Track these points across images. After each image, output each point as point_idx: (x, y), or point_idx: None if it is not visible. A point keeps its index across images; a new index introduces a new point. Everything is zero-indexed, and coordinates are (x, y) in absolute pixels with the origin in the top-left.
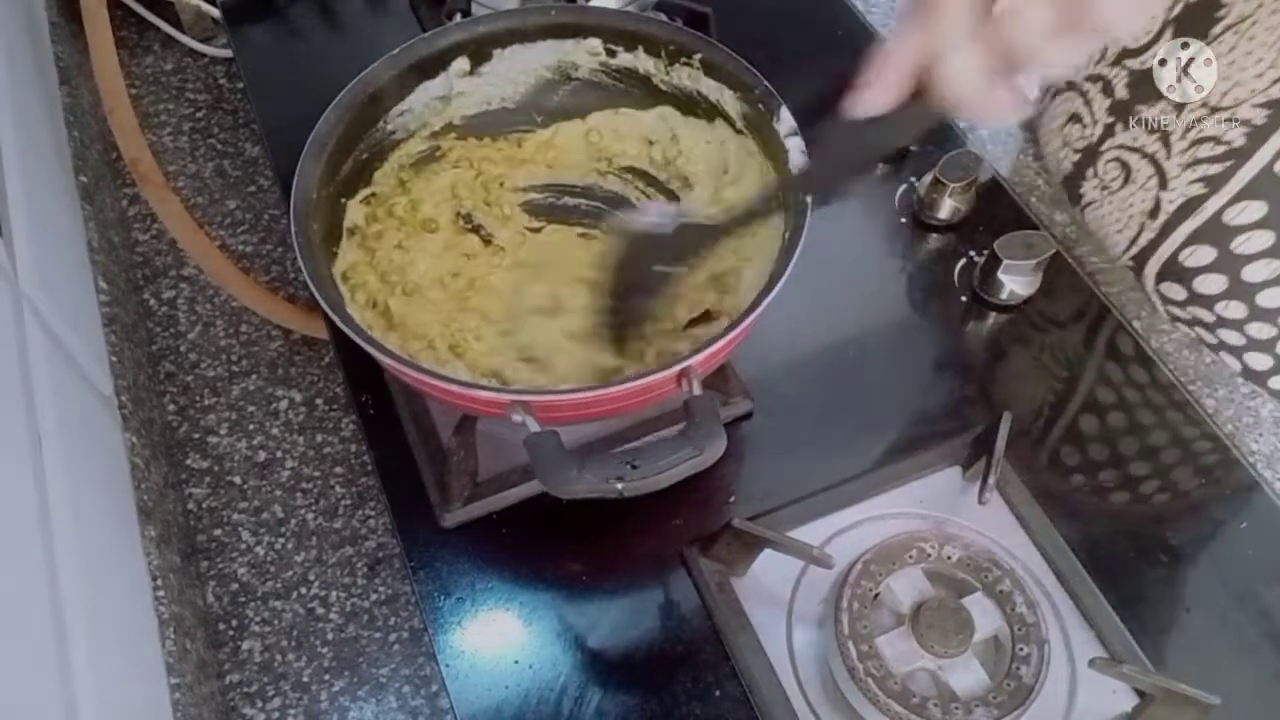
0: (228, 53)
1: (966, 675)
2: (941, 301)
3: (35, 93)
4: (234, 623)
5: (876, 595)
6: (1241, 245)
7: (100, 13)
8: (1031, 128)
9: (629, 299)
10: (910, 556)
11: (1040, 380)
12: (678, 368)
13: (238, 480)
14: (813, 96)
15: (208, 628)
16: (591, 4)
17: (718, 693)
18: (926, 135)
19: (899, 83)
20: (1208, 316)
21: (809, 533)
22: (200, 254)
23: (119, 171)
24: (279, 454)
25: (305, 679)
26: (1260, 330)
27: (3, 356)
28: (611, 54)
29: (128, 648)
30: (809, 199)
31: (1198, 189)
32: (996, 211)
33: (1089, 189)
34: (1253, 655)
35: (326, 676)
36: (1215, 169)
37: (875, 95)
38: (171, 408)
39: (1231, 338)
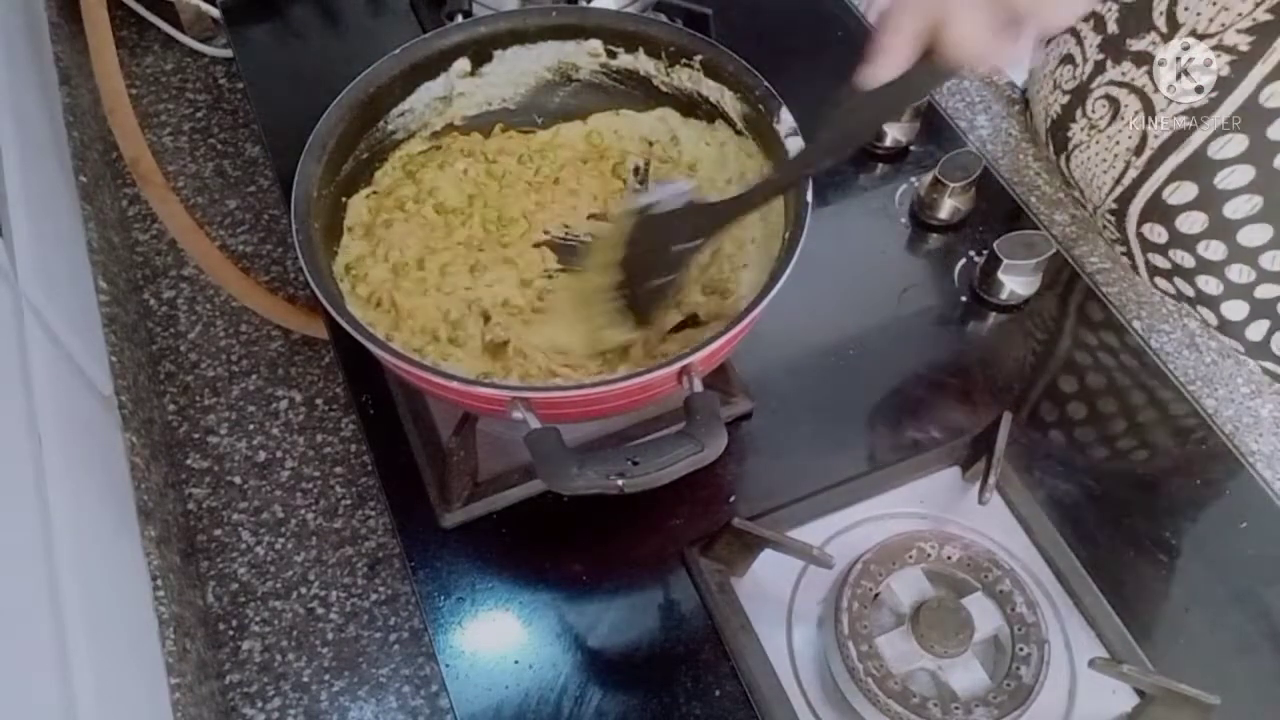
0: (228, 53)
1: (966, 675)
2: (941, 301)
3: (35, 93)
4: (234, 623)
5: (876, 595)
6: (1224, 180)
7: (100, 13)
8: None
9: (652, 278)
10: (910, 556)
11: (1040, 380)
12: (678, 365)
13: (238, 480)
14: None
15: (208, 628)
16: (592, 5)
17: (718, 693)
18: (925, 134)
19: (908, 48)
20: (1188, 260)
21: (809, 533)
22: (200, 254)
23: (119, 171)
24: (279, 454)
25: (305, 679)
26: (1239, 273)
27: (3, 356)
28: (612, 55)
29: (128, 648)
30: (809, 199)
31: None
32: (996, 211)
33: (1076, 131)
34: (1253, 655)
35: (326, 676)
36: (1201, 100)
37: (886, 62)
38: (171, 408)
39: (1210, 285)
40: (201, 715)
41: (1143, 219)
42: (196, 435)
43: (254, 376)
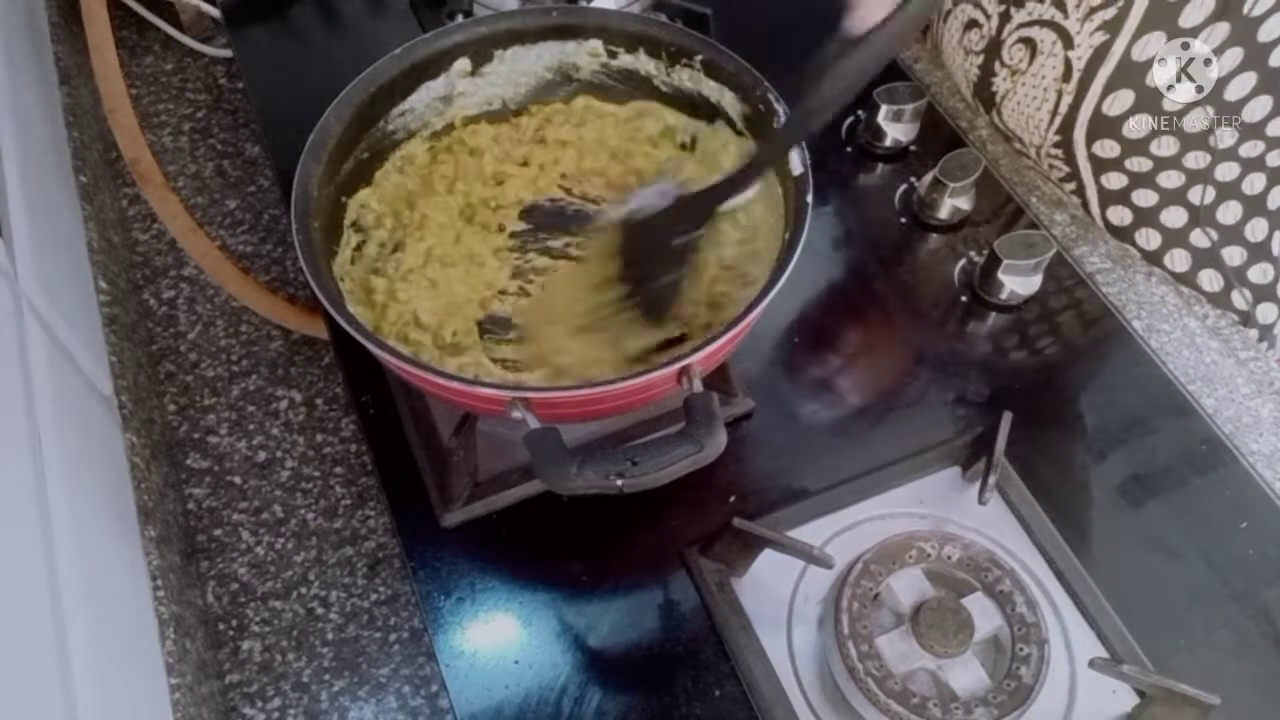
0: (228, 53)
1: (966, 675)
2: (941, 301)
3: (35, 93)
4: (234, 623)
5: (876, 595)
6: (1155, 77)
7: (100, 13)
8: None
9: (660, 277)
10: (910, 556)
11: (1040, 380)
12: (678, 365)
13: (238, 480)
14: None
15: (208, 628)
16: (592, 5)
17: (718, 693)
18: (925, 134)
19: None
20: (1144, 164)
21: (809, 533)
22: (200, 254)
23: (119, 171)
24: (279, 454)
25: (305, 679)
26: (1195, 160)
27: (3, 356)
28: (612, 55)
29: (128, 648)
30: (809, 200)
31: (1101, 37)
32: (996, 211)
33: (999, 83)
34: (1253, 655)
35: (326, 676)
36: (1111, 13)
37: (871, 5)
38: (171, 408)
39: (1172, 179)
40: (201, 715)
41: (1090, 139)
42: (196, 435)
43: (254, 376)
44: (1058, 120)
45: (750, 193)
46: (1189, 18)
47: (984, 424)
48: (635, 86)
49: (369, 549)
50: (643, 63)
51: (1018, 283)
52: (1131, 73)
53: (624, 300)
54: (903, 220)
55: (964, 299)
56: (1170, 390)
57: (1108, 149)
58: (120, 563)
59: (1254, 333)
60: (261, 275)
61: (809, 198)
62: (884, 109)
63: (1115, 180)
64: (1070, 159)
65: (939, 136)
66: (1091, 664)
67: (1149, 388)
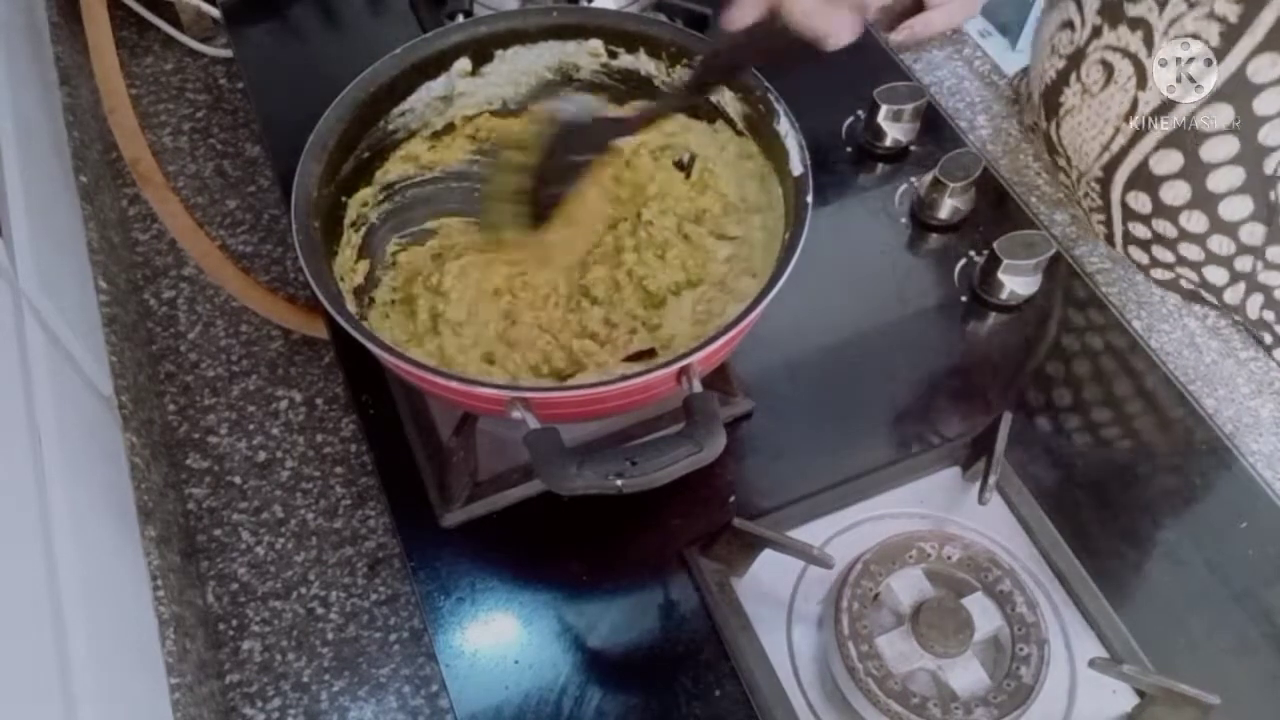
0: (228, 53)
1: (966, 675)
2: (941, 301)
3: (35, 93)
4: (234, 623)
5: (876, 595)
6: (1209, 151)
7: (100, 13)
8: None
9: (551, 187)
10: (910, 556)
11: (1040, 380)
12: (677, 365)
13: (238, 480)
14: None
15: (208, 628)
16: (593, 5)
17: (718, 693)
18: (925, 134)
19: (754, 7)
20: (1170, 230)
21: (809, 533)
22: (200, 254)
23: (119, 171)
24: (279, 454)
25: (305, 679)
26: (1220, 244)
27: (3, 356)
28: (613, 55)
29: (128, 648)
30: (809, 200)
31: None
32: (996, 211)
33: (1069, 95)
34: (1253, 655)
35: (326, 676)
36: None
37: (739, 13)
38: (171, 408)
39: (1192, 252)
40: (201, 715)
41: (1128, 187)
42: (196, 435)
43: (254, 376)
44: (1107, 156)
45: (636, 139)
46: (1267, 104)
47: (984, 424)
48: (635, 86)
49: (369, 549)
50: (643, 63)
51: (1018, 283)
52: (1189, 137)
53: (528, 196)
54: (903, 220)
55: (964, 299)
56: (1170, 390)
57: (1141, 202)
58: (120, 563)
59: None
60: (261, 275)
61: (809, 198)
62: (884, 109)
63: (1140, 231)
64: (1105, 196)
65: (939, 136)
66: (1091, 664)
67: (1149, 388)
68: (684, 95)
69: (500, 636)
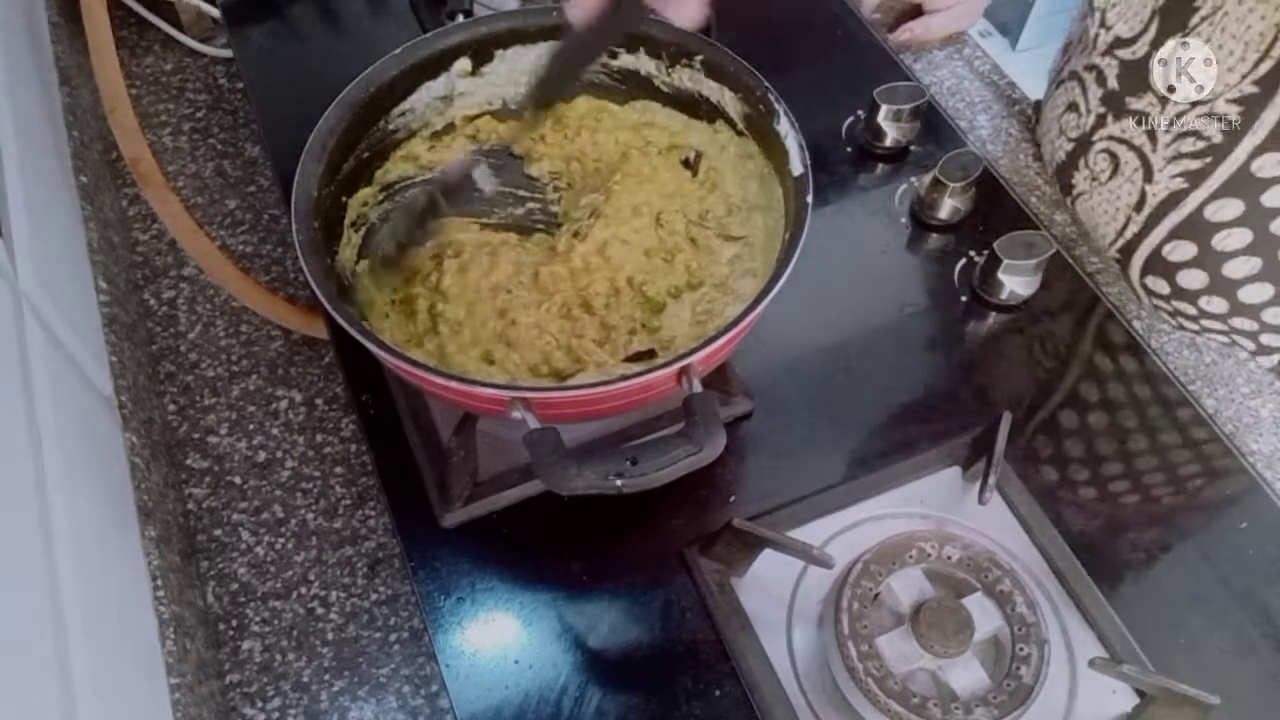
0: (228, 53)
1: (966, 675)
2: (941, 301)
3: (35, 93)
4: (234, 623)
5: (876, 595)
6: (1221, 242)
7: (100, 13)
8: (1035, 118)
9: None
10: (910, 556)
11: (1040, 380)
12: (677, 365)
13: (238, 480)
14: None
15: (208, 628)
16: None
17: (718, 693)
18: (925, 134)
19: (596, 2)
20: (1190, 309)
21: (809, 533)
22: (200, 254)
23: (119, 171)
24: (279, 454)
25: (305, 679)
26: (1242, 324)
27: (3, 357)
28: (613, 55)
29: (128, 648)
30: (809, 200)
31: (1180, 184)
32: (996, 211)
33: (1080, 179)
34: (1253, 655)
35: (326, 676)
36: (1196, 164)
37: (581, 8)
38: (171, 408)
39: (1214, 326)
40: (201, 715)
41: (1145, 272)
42: (196, 435)
43: (254, 376)
44: (1121, 241)
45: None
46: (1276, 198)
47: (984, 424)
48: (635, 86)
49: (369, 549)
50: (643, 62)
51: (1018, 283)
52: (1200, 228)
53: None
54: (903, 220)
55: (964, 299)
56: (1170, 390)
57: (1159, 286)
58: (120, 563)
59: None
60: (261, 275)
61: (809, 198)
62: (884, 109)
63: (1164, 305)
64: (1125, 276)
65: (939, 136)
66: (1091, 664)
67: (1149, 387)
68: (532, 114)
69: (500, 636)
